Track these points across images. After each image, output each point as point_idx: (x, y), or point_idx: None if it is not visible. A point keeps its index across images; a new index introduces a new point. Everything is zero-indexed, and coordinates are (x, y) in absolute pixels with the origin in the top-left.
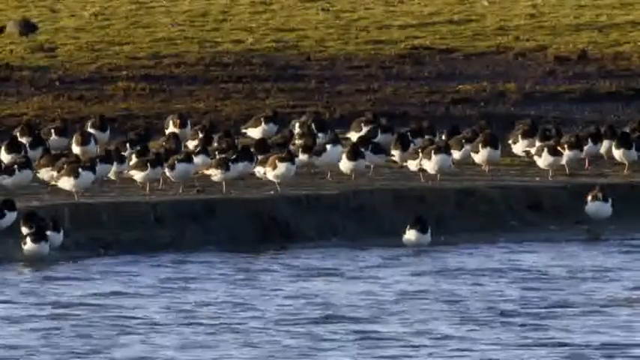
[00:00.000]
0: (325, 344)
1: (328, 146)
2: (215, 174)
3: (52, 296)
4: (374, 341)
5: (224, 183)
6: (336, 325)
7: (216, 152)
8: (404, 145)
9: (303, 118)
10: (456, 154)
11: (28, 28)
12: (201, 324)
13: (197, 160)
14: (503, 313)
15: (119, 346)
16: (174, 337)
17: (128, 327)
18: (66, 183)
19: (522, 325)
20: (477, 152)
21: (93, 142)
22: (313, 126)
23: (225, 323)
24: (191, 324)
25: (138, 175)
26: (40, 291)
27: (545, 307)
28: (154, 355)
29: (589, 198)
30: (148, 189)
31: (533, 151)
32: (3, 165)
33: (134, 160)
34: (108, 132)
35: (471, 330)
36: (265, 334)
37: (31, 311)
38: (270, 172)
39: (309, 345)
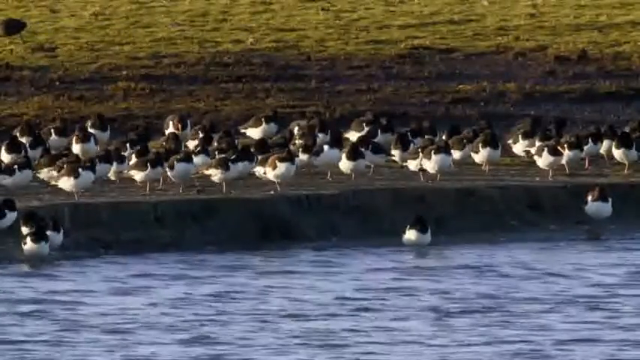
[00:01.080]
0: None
1: (325, 147)
2: (215, 174)
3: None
4: (351, 339)
5: (224, 183)
6: (307, 322)
7: (216, 152)
8: (404, 145)
9: (304, 122)
10: (457, 154)
11: (13, 27)
12: (191, 323)
13: (197, 160)
14: (494, 311)
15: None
16: (157, 335)
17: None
18: (66, 183)
19: (515, 323)
20: (476, 152)
21: (93, 141)
22: (316, 126)
23: (202, 321)
24: (182, 322)
25: (138, 175)
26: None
27: (538, 305)
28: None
29: (589, 198)
30: (148, 189)
31: (533, 151)
32: (3, 165)
33: (134, 160)
34: (108, 132)
35: (465, 327)
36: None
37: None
38: (270, 172)
39: (281, 342)
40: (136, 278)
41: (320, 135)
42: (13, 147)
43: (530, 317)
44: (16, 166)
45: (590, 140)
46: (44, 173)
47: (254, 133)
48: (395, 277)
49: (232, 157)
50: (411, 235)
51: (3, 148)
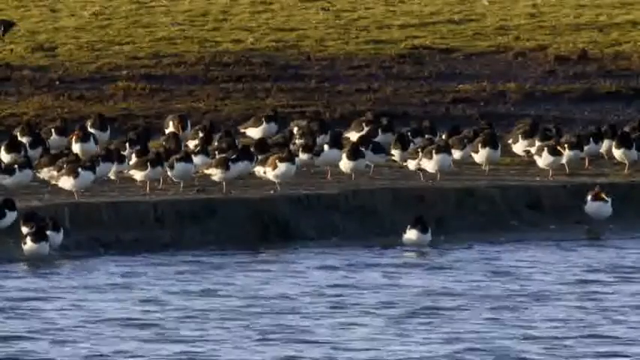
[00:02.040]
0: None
1: (325, 147)
2: (215, 174)
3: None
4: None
5: (224, 183)
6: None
7: (216, 152)
8: (404, 144)
9: (303, 122)
10: (457, 154)
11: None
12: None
13: (197, 159)
14: (488, 311)
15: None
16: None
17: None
18: (66, 182)
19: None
20: (476, 152)
21: (93, 141)
22: (316, 126)
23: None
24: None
25: (138, 175)
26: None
27: (528, 303)
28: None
29: (589, 197)
30: (148, 189)
31: (533, 151)
32: (3, 165)
33: (134, 159)
34: (108, 131)
35: (462, 326)
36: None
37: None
38: (270, 171)
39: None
40: (132, 277)
41: (320, 135)
42: (13, 147)
43: (516, 315)
44: (16, 166)
45: (590, 140)
46: (44, 173)
47: (254, 132)
48: (381, 275)
49: (232, 157)
50: (411, 234)
51: (3, 147)
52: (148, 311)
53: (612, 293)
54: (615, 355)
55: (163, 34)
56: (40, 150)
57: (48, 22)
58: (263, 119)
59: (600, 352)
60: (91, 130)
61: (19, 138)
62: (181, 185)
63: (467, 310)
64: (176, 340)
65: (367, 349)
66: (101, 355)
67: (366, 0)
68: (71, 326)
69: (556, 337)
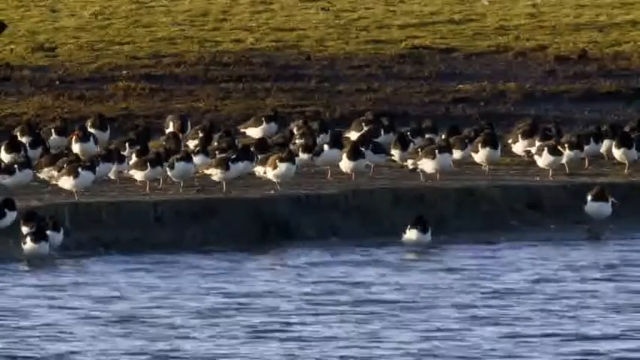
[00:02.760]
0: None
1: (325, 147)
2: (215, 173)
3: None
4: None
5: (224, 182)
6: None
7: (216, 152)
8: (404, 144)
9: (301, 122)
10: (457, 154)
11: None
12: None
13: (197, 159)
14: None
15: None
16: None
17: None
18: (66, 182)
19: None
20: (476, 152)
21: (92, 140)
22: (316, 126)
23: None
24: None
25: (138, 175)
26: None
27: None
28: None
29: (589, 197)
30: (148, 188)
31: (533, 150)
32: (3, 164)
33: (134, 159)
34: (108, 131)
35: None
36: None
37: None
38: (271, 171)
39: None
40: (132, 277)
41: (321, 135)
42: (13, 146)
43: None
44: (16, 166)
45: (590, 140)
46: (44, 173)
47: (254, 132)
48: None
49: (232, 157)
50: (411, 234)
51: (3, 147)
52: (147, 310)
53: (612, 293)
54: (613, 353)
55: (163, 34)
56: (40, 150)
57: (48, 22)
58: (263, 119)
59: (600, 351)
60: (91, 130)
61: (19, 138)
62: (181, 185)
63: (464, 309)
64: (174, 338)
65: (358, 347)
66: (98, 355)
67: (366, 0)
68: (70, 325)
69: (554, 337)
